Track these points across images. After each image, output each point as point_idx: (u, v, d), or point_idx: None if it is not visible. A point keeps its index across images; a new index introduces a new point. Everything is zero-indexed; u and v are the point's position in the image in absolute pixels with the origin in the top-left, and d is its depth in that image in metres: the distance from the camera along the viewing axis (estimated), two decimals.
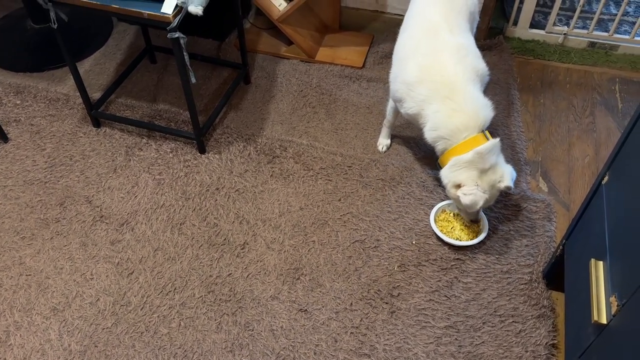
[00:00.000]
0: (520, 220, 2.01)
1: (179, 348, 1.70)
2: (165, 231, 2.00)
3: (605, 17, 2.83)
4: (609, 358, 1.17)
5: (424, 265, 1.89)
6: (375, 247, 1.94)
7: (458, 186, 1.81)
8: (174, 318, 1.77)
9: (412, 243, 1.95)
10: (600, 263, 1.33)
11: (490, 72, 1.96)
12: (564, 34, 2.71)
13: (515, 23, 2.76)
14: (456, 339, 1.71)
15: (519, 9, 2.72)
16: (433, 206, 2.04)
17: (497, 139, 1.79)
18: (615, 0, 2.94)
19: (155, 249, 1.95)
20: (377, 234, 1.98)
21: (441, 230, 1.94)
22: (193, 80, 2.01)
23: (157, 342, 1.72)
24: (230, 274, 1.88)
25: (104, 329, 1.75)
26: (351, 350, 1.69)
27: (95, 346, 1.71)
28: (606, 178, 1.44)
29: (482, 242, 1.93)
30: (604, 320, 1.21)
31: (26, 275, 1.88)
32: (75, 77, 2.22)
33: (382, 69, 2.64)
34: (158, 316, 1.77)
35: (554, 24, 2.74)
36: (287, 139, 2.32)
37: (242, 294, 1.83)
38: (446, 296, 1.81)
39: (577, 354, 1.36)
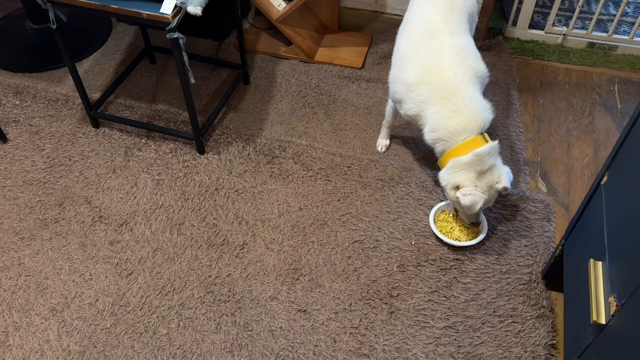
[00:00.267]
0: (519, 221, 2.01)
1: (178, 348, 1.70)
2: (165, 232, 2.00)
3: (605, 17, 2.83)
4: (608, 358, 1.17)
5: (423, 266, 1.89)
6: (374, 247, 1.94)
7: (457, 188, 1.81)
8: (173, 318, 1.77)
9: (411, 243, 1.95)
10: (599, 263, 1.33)
11: (490, 73, 1.96)
12: (563, 34, 2.71)
13: (515, 23, 2.76)
14: (455, 339, 1.71)
15: (518, 10, 2.72)
16: (432, 206, 2.04)
17: (496, 142, 1.79)
18: (614, 1, 2.94)
19: (154, 249, 1.95)
20: (376, 235, 1.98)
21: (440, 231, 1.94)
22: (192, 80, 2.01)
23: (156, 342, 1.71)
24: (230, 274, 1.88)
25: (103, 329, 1.74)
26: (350, 350, 1.69)
27: (94, 347, 1.71)
28: (605, 178, 1.45)
29: (481, 243, 1.93)
30: (602, 321, 1.21)
31: (25, 275, 1.88)
32: (74, 77, 2.21)
33: (382, 70, 2.64)
34: (157, 317, 1.77)
35: (553, 25, 2.74)
36: (286, 139, 2.32)
37: (241, 294, 1.83)
38: (445, 296, 1.81)
39: (576, 354, 1.36)
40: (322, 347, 1.70)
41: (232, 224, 2.02)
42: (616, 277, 1.22)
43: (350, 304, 1.80)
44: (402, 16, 2.11)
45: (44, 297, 1.83)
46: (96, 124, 2.38)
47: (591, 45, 2.72)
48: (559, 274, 1.73)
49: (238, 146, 2.29)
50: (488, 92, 2.46)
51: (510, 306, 1.78)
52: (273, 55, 2.74)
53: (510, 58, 2.68)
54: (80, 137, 2.34)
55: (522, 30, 2.76)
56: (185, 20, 1.86)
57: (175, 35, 1.85)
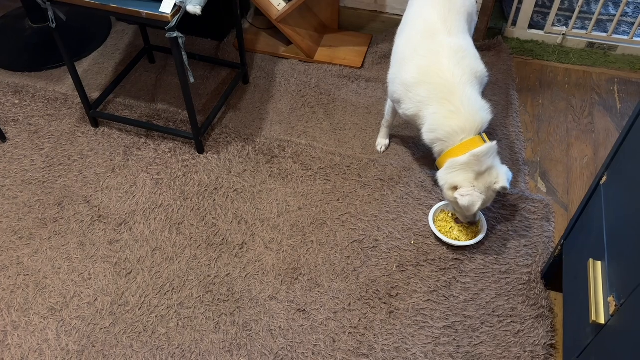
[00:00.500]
0: (518, 221, 2.01)
1: (177, 348, 1.70)
2: (164, 231, 2.00)
3: (604, 17, 2.83)
4: (607, 358, 1.17)
5: (423, 266, 1.89)
6: (373, 247, 1.94)
7: (455, 188, 1.81)
8: (172, 318, 1.77)
9: (411, 243, 1.95)
10: (599, 263, 1.33)
11: (489, 73, 1.96)
12: (563, 34, 2.71)
13: (514, 23, 2.76)
14: (454, 339, 1.71)
15: (518, 10, 2.72)
16: (432, 206, 2.04)
17: (494, 142, 1.79)
18: (614, 1, 2.94)
19: (154, 248, 1.95)
20: (375, 234, 1.98)
21: (440, 231, 1.94)
22: (192, 80, 2.00)
23: (155, 342, 1.71)
24: (229, 274, 1.88)
25: (101, 328, 1.74)
26: (349, 350, 1.69)
27: (93, 346, 1.70)
28: (604, 178, 1.45)
29: (480, 243, 1.93)
30: (602, 320, 1.21)
31: (24, 275, 1.88)
32: (73, 76, 2.21)
33: (381, 69, 2.64)
34: (156, 316, 1.77)
35: (553, 25, 2.74)
36: (285, 138, 2.31)
37: (240, 294, 1.83)
38: (444, 296, 1.81)
39: (575, 354, 1.36)
40: (321, 347, 1.70)
41: (232, 223, 2.02)
42: (615, 277, 1.22)
43: (350, 304, 1.80)
44: (402, 16, 2.11)
45: (43, 296, 1.82)
46: (95, 124, 2.38)
47: (591, 45, 2.72)
48: (558, 274, 1.73)
49: (237, 146, 2.29)
50: (487, 92, 2.46)
51: (509, 306, 1.78)
52: (272, 55, 2.74)
53: (509, 58, 2.68)
54: (80, 137, 2.34)
55: (521, 30, 2.76)
56: (185, 20, 1.86)
57: (175, 35, 1.85)
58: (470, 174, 1.77)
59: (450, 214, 2.01)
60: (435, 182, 1.89)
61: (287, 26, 2.60)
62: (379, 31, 2.84)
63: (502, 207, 2.05)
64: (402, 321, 1.75)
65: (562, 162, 2.24)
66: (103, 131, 2.36)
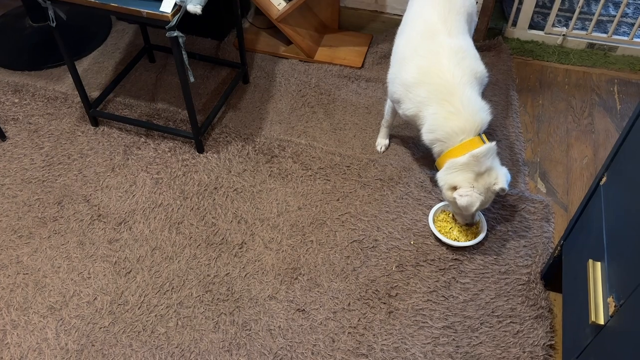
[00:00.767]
0: (518, 221, 2.01)
1: (177, 347, 1.70)
2: (163, 230, 2.00)
3: (604, 18, 2.83)
4: (607, 359, 1.17)
5: (422, 266, 1.89)
6: (373, 247, 1.94)
7: (454, 188, 1.81)
8: (171, 317, 1.77)
9: (410, 243, 1.95)
10: (598, 264, 1.33)
11: (489, 73, 1.96)
12: (563, 35, 2.71)
13: (515, 24, 2.76)
14: (454, 339, 1.71)
15: (518, 10, 2.72)
16: (431, 206, 2.04)
17: (493, 143, 1.79)
18: (614, 2, 2.94)
19: (153, 248, 1.95)
20: (375, 234, 1.98)
21: (439, 231, 1.94)
22: (192, 79, 2.00)
23: (154, 341, 1.71)
24: (228, 273, 1.88)
25: (101, 328, 1.74)
26: (349, 350, 1.69)
27: (93, 345, 1.70)
28: (604, 179, 1.45)
29: (480, 243, 1.93)
30: (601, 321, 1.21)
31: (23, 274, 1.88)
32: (73, 75, 2.21)
33: (381, 69, 2.64)
34: (155, 315, 1.77)
35: (553, 25, 2.74)
36: (285, 138, 2.31)
37: (240, 293, 1.83)
38: (444, 296, 1.81)
39: (574, 355, 1.36)
40: (321, 347, 1.70)
41: (231, 223, 2.02)
42: (615, 278, 1.22)
43: (349, 304, 1.80)
44: (402, 16, 2.11)
45: (42, 295, 1.82)
46: (95, 123, 2.38)
47: (591, 46, 2.72)
48: (558, 275, 1.73)
49: (237, 145, 2.29)
50: (487, 92, 2.46)
51: (508, 306, 1.78)
52: (273, 55, 2.74)
53: (509, 58, 2.68)
54: (79, 136, 2.34)
55: (521, 31, 2.76)
56: (185, 19, 1.86)
57: (175, 34, 1.85)
58: (469, 174, 1.78)
59: (450, 215, 2.01)
60: (435, 183, 1.89)
61: (288, 26, 2.60)
62: (379, 31, 2.84)
63: (501, 208, 2.05)
64: (401, 321, 1.75)
65: (561, 163, 2.24)
66: (103, 130, 2.36)
